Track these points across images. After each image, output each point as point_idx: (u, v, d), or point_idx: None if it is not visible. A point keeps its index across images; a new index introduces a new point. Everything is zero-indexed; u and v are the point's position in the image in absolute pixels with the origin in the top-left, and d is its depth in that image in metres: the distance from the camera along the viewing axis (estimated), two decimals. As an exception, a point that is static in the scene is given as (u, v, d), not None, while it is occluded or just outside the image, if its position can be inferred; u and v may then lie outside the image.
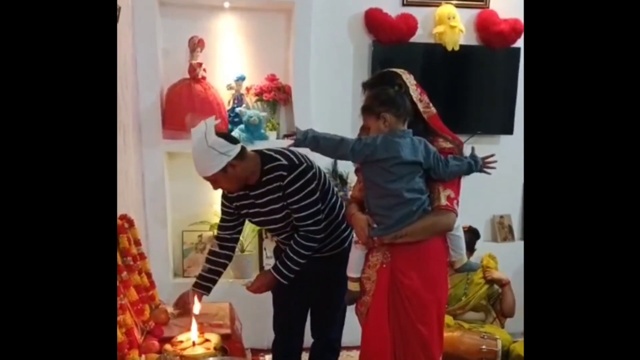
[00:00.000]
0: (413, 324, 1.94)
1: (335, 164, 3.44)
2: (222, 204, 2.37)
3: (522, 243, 3.73)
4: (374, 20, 3.47)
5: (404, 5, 3.54)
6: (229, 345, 1.95)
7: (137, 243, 2.29)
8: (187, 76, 3.23)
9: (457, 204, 1.98)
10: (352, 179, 2.72)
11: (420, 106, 2.00)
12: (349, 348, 3.07)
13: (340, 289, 2.18)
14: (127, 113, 2.79)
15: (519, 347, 2.92)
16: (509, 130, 3.69)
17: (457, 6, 3.54)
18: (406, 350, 1.96)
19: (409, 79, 2.02)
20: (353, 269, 2.05)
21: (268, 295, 2.44)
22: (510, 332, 3.14)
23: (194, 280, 2.42)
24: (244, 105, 3.36)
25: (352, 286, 2.06)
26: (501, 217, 3.86)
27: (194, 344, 1.88)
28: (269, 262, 2.52)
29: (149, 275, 2.32)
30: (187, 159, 2.17)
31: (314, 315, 2.49)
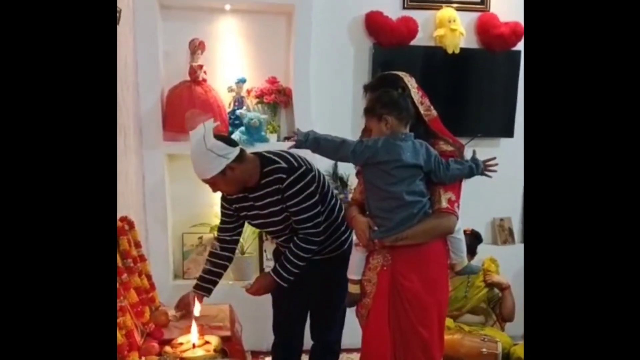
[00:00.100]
0: (413, 327, 1.94)
1: (335, 167, 3.44)
2: (222, 206, 2.38)
3: (522, 246, 3.73)
4: (374, 23, 3.47)
5: (404, 8, 3.54)
6: (229, 347, 1.95)
7: (137, 245, 2.29)
8: (188, 78, 3.23)
9: (458, 206, 1.98)
10: (353, 182, 2.72)
11: (421, 109, 2.01)
12: (349, 350, 3.06)
13: (339, 291, 2.18)
14: (128, 115, 2.80)
15: (519, 350, 2.92)
16: (509, 133, 3.69)
17: (458, 9, 3.54)
18: (406, 352, 1.95)
19: (411, 82, 2.02)
20: (354, 271, 2.05)
21: (268, 298, 2.44)
22: (510, 335, 3.14)
23: (194, 282, 2.41)
24: (244, 107, 3.37)
25: (353, 288, 2.06)
26: (501, 219, 3.86)
27: (194, 346, 1.88)
28: (269, 265, 2.52)
29: (149, 277, 2.32)
30: (187, 161, 2.18)
31: (313, 317, 2.49)
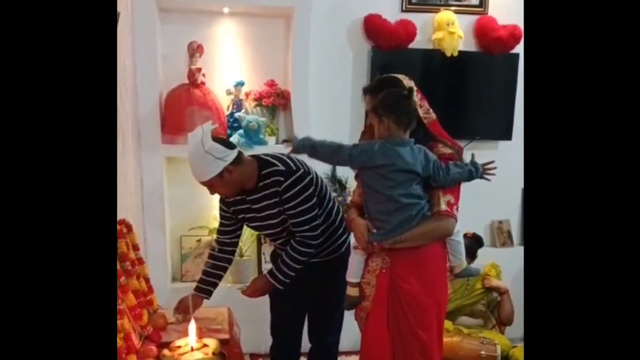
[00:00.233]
0: (412, 329, 1.94)
1: (334, 169, 3.44)
2: (220, 209, 2.38)
3: (521, 248, 3.75)
4: (373, 26, 3.48)
5: (403, 11, 3.55)
6: (228, 350, 1.95)
7: (136, 248, 2.29)
8: (186, 81, 3.23)
9: (457, 209, 1.98)
10: (351, 184, 2.72)
11: (420, 112, 2.00)
12: (348, 353, 3.06)
13: (337, 294, 2.17)
14: (126, 118, 2.80)
15: (518, 353, 2.92)
16: (507, 136, 3.69)
17: (456, 12, 3.55)
18: (405, 355, 1.95)
19: (410, 85, 2.02)
20: (352, 274, 2.05)
21: (266, 300, 2.44)
22: (509, 338, 3.14)
23: (192, 285, 2.41)
24: (243, 110, 3.37)
25: (352, 291, 2.05)
26: (500, 222, 3.86)
27: (192, 349, 1.87)
28: (268, 267, 2.51)
29: (147, 280, 2.31)
30: (185, 164, 2.17)
31: (311, 320, 2.48)
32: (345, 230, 2.34)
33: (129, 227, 2.28)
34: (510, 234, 3.86)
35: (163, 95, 3.28)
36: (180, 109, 3.15)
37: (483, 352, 2.88)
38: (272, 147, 3.23)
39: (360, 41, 3.53)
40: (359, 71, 3.54)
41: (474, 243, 3.21)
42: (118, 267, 1.97)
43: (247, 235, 3.31)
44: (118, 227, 2.13)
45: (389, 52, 3.48)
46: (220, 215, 2.39)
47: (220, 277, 2.39)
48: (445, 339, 2.30)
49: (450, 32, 3.48)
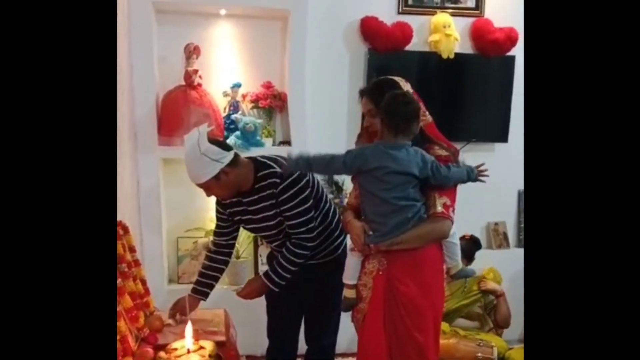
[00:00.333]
0: (409, 331, 1.94)
1: (330, 171, 3.44)
2: (217, 211, 2.38)
3: (517, 250, 3.76)
4: (369, 29, 3.48)
5: (399, 13, 3.55)
6: (224, 352, 1.94)
7: (132, 249, 2.28)
8: (183, 83, 3.22)
9: (453, 211, 1.99)
10: (348, 186, 2.73)
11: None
12: (345, 355, 3.06)
13: (333, 295, 2.18)
14: (123, 119, 2.79)
15: (514, 354, 2.93)
16: (503, 138, 3.70)
17: (453, 14, 3.55)
18: (402, 357, 1.95)
19: (406, 87, 2.03)
20: (349, 276, 2.05)
21: (263, 302, 2.44)
22: (505, 340, 3.15)
23: (189, 286, 2.41)
24: (239, 112, 3.36)
25: (348, 293, 2.06)
26: (496, 224, 3.87)
27: (188, 351, 1.86)
28: (264, 269, 2.52)
29: (143, 282, 2.31)
30: (182, 166, 2.17)
31: (307, 322, 2.48)
32: (342, 232, 2.34)
33: (125, 229, 2.27)
34: (506, 235, 3.87)
35: (159, 97, 3.28)
36: (177, 110, 3.15)
37: (480, 354, 2.88)
38: (269, 148, 3.23)
39: (357, 43, 3.54)
40: (356, 73, 3.54)
41: (471, 245, 3.22)
42: (114, 269, 1.97)
43: (244, 236, 3.30)
44: (114, 228, 2.13)
45: (385, 54, 3.49)
46: (217, 217, 2.39)
47: (216, 279, 2.39)
48: (442, 341, 2.30)
49: (447, 34, 3.49)
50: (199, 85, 3.24)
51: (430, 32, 3.55)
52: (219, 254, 2.39)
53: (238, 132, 3.27)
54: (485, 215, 3.82)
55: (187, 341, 1.89)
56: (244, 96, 3.43)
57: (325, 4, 3.45)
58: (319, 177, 2.38)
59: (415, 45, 3.56)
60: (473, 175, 2.00)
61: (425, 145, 2.00)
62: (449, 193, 1.99)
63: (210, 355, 1.85)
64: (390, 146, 1.91)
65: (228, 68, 3.43)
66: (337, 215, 2.39)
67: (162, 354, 1.87)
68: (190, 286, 2.40)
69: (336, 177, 3.43)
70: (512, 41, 3.60)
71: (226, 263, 2.42)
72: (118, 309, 1.85)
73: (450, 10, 3.58)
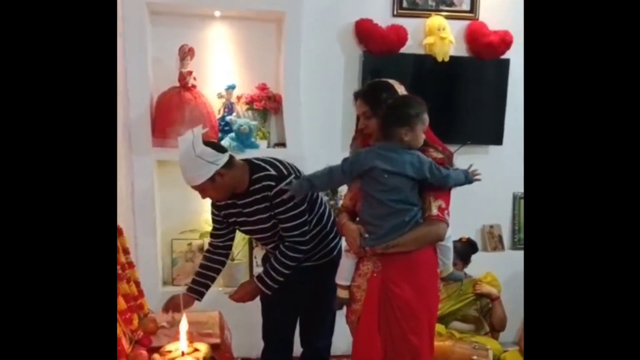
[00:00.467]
0: (404, 334, 1.94)
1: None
2: (212, 212, 2.38)
3: (512, 252, 3.77)
4: (364, 31, 3.48)
5: (394, 16, 3.56)
6: (219, 354, 1.94)
7: (126, 251, 2.27)
8: (177, 84, 3.22)
9: (448, 214, 1.99)
10: (343, 188, 2.72)
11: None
12: (339, 357, 3.06)
13: (328, 298, 2.17)
14: (117, 121, 2.78)
15: (509, 357, 2.93)
16: (498, 140, 3.71)
17: (447, 17, 3.56)
18: (397, 359, 1.95)
19: (400, 89, 2.03)
20: (343, 277, 2.05)
21: (258, 304, 2.43)
22: (501, 342, 3.15)
23: (183, 289, 2.41)
24: (234, 113, 3.36)
25: (342, 293, 2.06)
26: (491, 226, 3.88)
27: (182, 353, 1.86)
28: (259, 271, 2.51)
29: (137, 284, 2.30)
30: (177, 167, 2.17)
31: (302, 324, 2.48)
32: (337, 235, 2.34)
33: (120, 231, 2.26)
34: (501, 238, 3.88)
35: (154, 99, 3.27)
36: (171, 112, 3.14)
37: (475, 357, 2.88)
38: (263, 150, 3.23)
39: (352, 46, 3.54)
40: (350, 75, 3.54)
41: (468, 248, 3.23)
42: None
43: (239, 239, 3.29)
44: (109, 230, 2.12)
45: (380, 56, 3.49)
46: (213, 219, 2.39)
47: (212, 279, 2.39)
48: (438, 343, 2.31)
49: (442, 37, 3.50)
50: (194, 86, 3.24)
51: (425, 35, 3.56)
52: (215, 255, 2.40)
53: (232, 134, 3.26)
54: (480, 218, 3.82)
55: (182, 343, 1.89)
56: (238, 98, 3.42)
57: (320, 6, 3.45)
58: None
59: (410, 47, 3.56)
60: (469, 176, 2.00)
61: (420, 148, 2.01)
62: (443, 196, 1.99)
63: (204, 358, 1.85)
64: (383, 147, 1.92)
65: (223, 70, 3.43)
66: (332, 218, 2.39)
67: (156, 356, 1.86)
68: (185, 288, 2.39)
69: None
70: (507, 44, 3.61)
71: (223, 264, 2.43)
72: (112, 311, 1.85)
73: (445, 13, 3.58)
